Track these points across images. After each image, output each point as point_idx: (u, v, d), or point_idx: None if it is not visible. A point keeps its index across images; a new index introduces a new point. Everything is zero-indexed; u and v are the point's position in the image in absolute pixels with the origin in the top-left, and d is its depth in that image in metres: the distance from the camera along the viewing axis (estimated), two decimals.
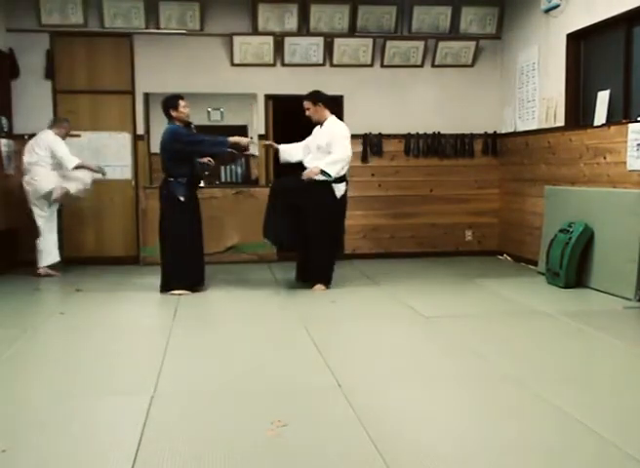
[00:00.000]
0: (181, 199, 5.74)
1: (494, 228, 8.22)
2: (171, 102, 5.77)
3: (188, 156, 5.79)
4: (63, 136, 6.78)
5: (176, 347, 4.19)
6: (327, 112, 5.93)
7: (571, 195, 6.33)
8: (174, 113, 5.75)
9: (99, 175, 6.87)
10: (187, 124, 5.88)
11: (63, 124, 6.84)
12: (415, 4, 7.72)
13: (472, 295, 5.78)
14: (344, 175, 5.94)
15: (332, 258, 6.05)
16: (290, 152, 6.16)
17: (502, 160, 8.09)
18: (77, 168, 6.65)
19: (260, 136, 7.79)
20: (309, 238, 5.88)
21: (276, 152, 6.26)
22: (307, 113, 5.92)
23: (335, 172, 5.74)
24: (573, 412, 2.99)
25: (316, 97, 5.92)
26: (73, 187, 6.73)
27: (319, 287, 5.97)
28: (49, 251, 6.70)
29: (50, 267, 6.73)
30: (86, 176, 6.79)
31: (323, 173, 5.71)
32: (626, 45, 5.87)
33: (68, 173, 6.65)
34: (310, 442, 2.73)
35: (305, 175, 5.78)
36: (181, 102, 5.77)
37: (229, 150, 5.84)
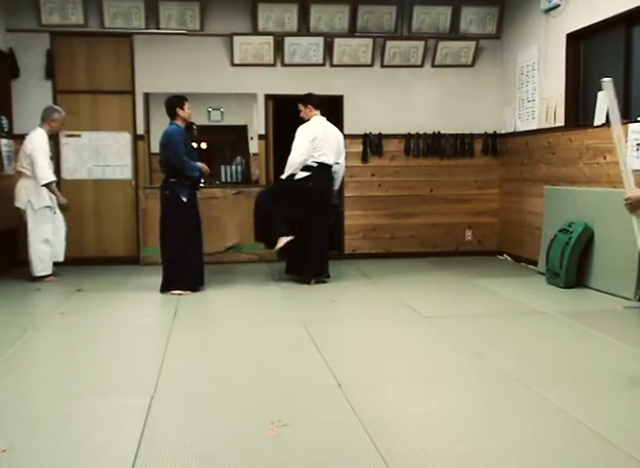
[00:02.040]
0: (184, 199, 5.76)
1: (494, 228, 8.22)
2: (177, 102, 5.86)
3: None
4: (57, 129, 6.59)
5: (176, 347, 4.19)
6: (313, 112, 6.30)
7: (571, 195, 6.33)
8: (180, 112, 5.81)
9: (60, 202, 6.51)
10: (190, 124, 5.98)
11: (52, 116, 6.45)
12: (415, 4, 7.72)
13: (472, 295, 5.78)
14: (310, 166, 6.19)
15: None
16: None
17: (502, 160, 8.09)
18: (46, 186, 6.28)
19: (260, 136, 7.80)
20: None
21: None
22: (301, 114, 6.36)
23: (285, 173, 6.24)
24: (573, 412, 2.99)
25: (304, 99, 6.37)
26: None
27: None
28: (35, 261, 6.39)
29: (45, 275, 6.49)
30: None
31: None
32: (626, 45, 5.87)
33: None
34: (310, 442, 2.73)
35: None
36: (186, 103, 5.87)
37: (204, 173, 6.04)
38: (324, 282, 6.32)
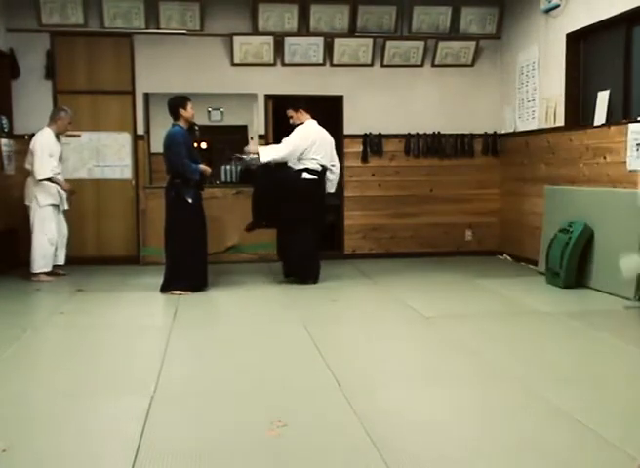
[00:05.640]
0: (189, 200, 5.77)
1: (494, 228, 8.22)
2: (181, 102, 5.85)
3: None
4: (63, 128, 6.62)
5: (176, 347, 4.19)
6: (305, 116, 6.23)
7: (571, 195, 6.33)
8: (183, 112, 5.82)
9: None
10: (192, 125, 5.96)
11: (59, 115, 6.58)
12: (415, 4, 7.72)
13: (472, 295, 5.78)
14: (316, 170, 6.14)
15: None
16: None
17: (502, 160, 8.08)
18: (46, 181, 6.37)
19: (260, 136, 7.80)
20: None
21: None
22: (291, 121, 6.27)
23: (265, 154, 6.07)
24: (573, 412, 2.99)
25: (295, 104, 6.30)
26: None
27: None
28: (37, 258, 6.43)
29: (47, 273, 6.52)
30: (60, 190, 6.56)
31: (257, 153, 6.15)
32: (626, 45, 5.87)
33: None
34: (310, 442, 2.73)
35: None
36: (189, 103, 5.88)
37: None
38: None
